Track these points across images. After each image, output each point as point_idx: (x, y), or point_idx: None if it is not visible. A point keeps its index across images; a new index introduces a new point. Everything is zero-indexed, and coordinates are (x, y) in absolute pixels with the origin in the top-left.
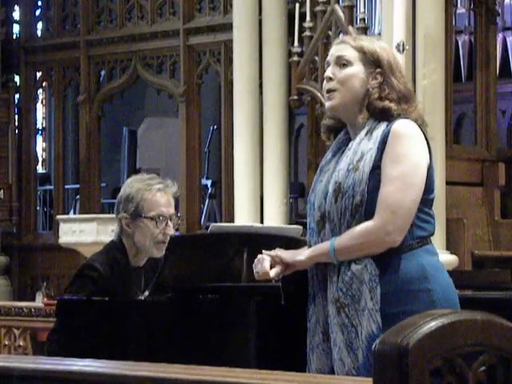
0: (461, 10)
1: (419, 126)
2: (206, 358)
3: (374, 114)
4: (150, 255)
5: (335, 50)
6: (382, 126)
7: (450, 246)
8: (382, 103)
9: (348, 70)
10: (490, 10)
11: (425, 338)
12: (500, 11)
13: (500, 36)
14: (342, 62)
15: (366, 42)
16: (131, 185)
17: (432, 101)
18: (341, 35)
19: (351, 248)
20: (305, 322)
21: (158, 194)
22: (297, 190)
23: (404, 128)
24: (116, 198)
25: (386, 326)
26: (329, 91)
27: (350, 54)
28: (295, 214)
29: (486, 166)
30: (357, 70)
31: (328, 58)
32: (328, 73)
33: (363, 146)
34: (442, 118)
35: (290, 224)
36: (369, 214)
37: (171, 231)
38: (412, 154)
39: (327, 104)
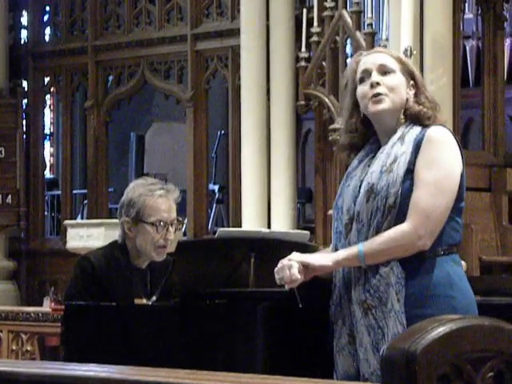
0: (468, 16)
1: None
2: (213, 363)
3: (410, 117)
4: (150, 259)
5: (376, 59)
6: (415, 131)
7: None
8: (419, 107)
9: (396, 78)
10: (497, 16)
11: (433, 344)
12: (508, 16)
13: (508, 41)
14: (386, 70)
15: (400, 54)
16: (134, 189)
17: (440, 106)
18: (351, 39)
19: (382, 252)
20: (313, 327)
21: (159, 200)
22: (304, 195)
23: (439, 134)
24: None
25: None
26: (377, 95)
27: (392, 63)
28: (303, 219)
29: (493, 172)
30: (401, 78)
31: (367, 66)
32: (375, 78)
33: (396, 149)
34: (450, 123)
35: (298, 229)
36: (399, 217)
37: (171, 236)
38: (446, 159)
39: (375, 107)
